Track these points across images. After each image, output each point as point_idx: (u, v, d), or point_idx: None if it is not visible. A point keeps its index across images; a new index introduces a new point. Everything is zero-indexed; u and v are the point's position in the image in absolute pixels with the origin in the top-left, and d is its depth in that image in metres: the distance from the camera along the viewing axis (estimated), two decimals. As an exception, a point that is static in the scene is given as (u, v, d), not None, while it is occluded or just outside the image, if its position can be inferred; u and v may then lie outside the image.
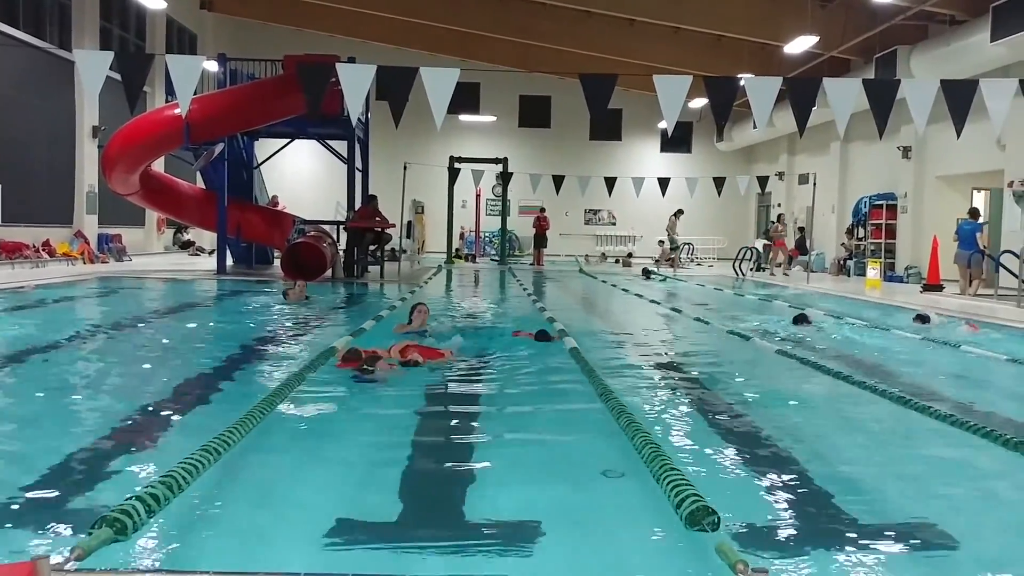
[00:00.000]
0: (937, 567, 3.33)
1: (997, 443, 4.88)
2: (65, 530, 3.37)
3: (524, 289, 17.29)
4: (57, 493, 3.87)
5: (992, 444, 4.89)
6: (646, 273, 22.49)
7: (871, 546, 3.46)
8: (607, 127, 34.04)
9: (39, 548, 3.18)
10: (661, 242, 32.39)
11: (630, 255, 31.53)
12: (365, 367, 6.63)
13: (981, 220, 17.11)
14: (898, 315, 13.18)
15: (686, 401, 6.43)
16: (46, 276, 16.13)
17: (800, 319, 11.65)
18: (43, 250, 19.89)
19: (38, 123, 20.79)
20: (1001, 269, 16.38)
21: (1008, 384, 7.85)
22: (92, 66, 9.43)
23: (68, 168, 22.11)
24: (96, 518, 2.97)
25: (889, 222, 23.05)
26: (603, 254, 33.31)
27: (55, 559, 2.65)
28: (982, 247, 16.37)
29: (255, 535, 3.45)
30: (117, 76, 9.44)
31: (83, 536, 2.85)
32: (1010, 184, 17.57)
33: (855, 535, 3.59)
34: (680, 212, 28.02)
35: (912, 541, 3.54)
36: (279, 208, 23.25)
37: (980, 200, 20.78)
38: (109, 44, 23.74)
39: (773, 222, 27.16)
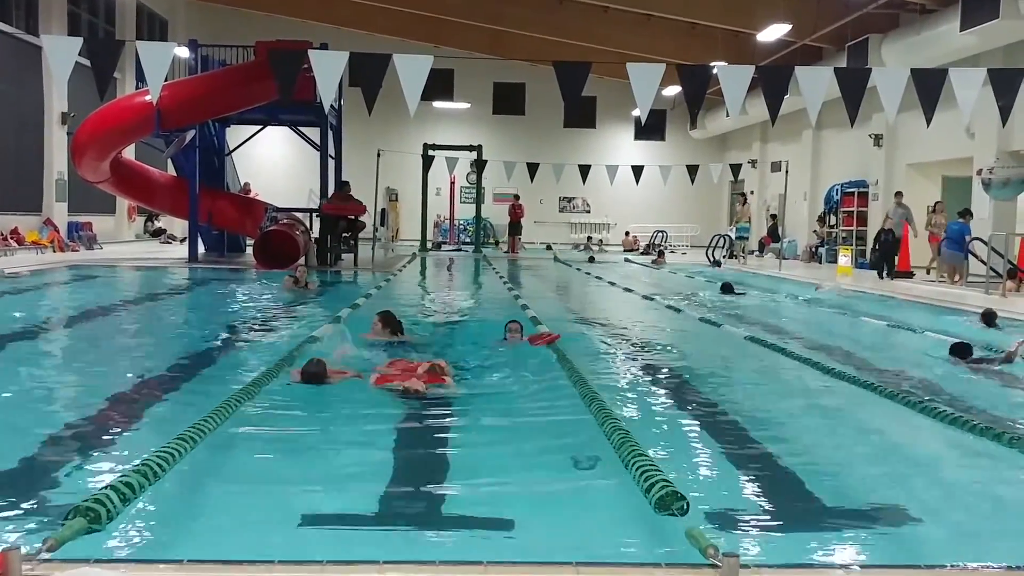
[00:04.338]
0: (902, 546, 3.39)
1: (963, 429, 4.98)
2: (37, 520, 3.34)
3: (500, 278, 17.30)
4: (29, 483, 3.84)
5: (959, 430, 4.99)
6: (591, 259, 22.72)
7: (839, 527, 3.53)
8: (581, 114, 33.99)
9: (10, 538, 3.13)
10: (627, 232, 32.53)
11: (600, 242, 31.57)
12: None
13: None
14: (870, 302, 13.33)
15: (658, 387, 6.49)
16: (15, 265, 15.91)
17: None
18: (11, 238, 19.63)
19: (5, 109, 20.44)
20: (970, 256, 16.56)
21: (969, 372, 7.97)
22: (60, 52, 9.29)
23: (37, 155, 21.77)
24: (69, 508, 2.95)
25: (860, 209, 23.25)
26: (578, 245, 33.10)
27: (27, 550, 2.64)
28: (969, 248, 16.53)
29: (231, 524, 3.44)
30: (86, 62, 9.33)
31: (57, 526, 2.84)
32: (979, 172, 17.77)
33: (823, 517, 3.65)
34: (743, 196, 27.83)
35: (878, 522, 3.60)
36: (251, 195, 23.07)
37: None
38: (78, 29, 23.35)
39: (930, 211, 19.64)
